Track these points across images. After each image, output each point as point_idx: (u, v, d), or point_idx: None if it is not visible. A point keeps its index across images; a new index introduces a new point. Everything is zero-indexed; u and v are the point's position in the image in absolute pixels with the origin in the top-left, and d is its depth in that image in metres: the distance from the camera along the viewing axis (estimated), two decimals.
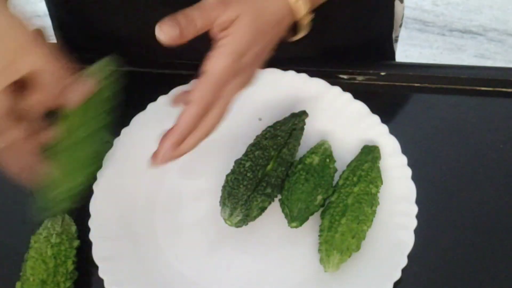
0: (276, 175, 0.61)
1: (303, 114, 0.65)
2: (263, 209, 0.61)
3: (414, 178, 0.62)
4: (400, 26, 0.88)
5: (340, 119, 0.67)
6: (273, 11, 0.53)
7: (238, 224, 0.59)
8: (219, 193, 0.61)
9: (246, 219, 0.59)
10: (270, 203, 0.61)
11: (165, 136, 0.53)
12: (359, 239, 0.58)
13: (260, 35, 0.52)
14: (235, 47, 0.51)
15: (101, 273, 0.58)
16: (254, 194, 0.59)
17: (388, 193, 0.62)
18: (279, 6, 0.53)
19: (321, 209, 0.61)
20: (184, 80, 0.68)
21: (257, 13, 0.51)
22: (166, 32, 0.49)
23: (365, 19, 0.78)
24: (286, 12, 0.53)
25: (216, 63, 0.51)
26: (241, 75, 0.53)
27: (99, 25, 0.76)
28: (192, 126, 0.52)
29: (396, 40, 0.89)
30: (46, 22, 0.89)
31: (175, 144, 0.53)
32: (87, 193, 0.62)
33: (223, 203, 0.60)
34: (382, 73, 0.74)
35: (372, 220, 0.60)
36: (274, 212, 0.62)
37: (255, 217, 0.61)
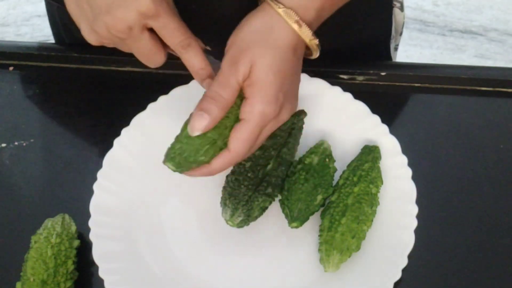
0: (276, 175, 0.60)
1: (301, 114, 0.65)
2: (264, 209, 0.61)
3: (414, 178, 0.62)
4: (401, 34, 0.87)
5: (340, 119, 0.67)
6: (284, 43, 0.54)
7: (240, 225, 0.59)
8: (220, 194, 0.61)
9: (247, 219, 0.59)
10: (271, 202, 0.61)
11: (197, 171, 0.55)
12: (359, 239, 0.58)
13: (283, 68, 0.53)
14: (264, 92, 0.52)
15: (101, 273, 0.58)
16: (255, 194, 0.59)
17: (388, 193, 0.62)
18: (288, 36, 0.54)
19: (321, 209, 0.61)
20: (184, 80, 0.68)
21: (269, 52, 0.53)
22: (195, 128, 0.51)
23: (361, 23, 0.78)
24: (297, 39, 0.55)
25: (251, 113, 0.52)
26: (279, 114, 0.55)
27: None
28: (225, 169, 0.55)
29: (396, 49, 0.89)
30: (46, 22, 0.89)
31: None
32: (87, 193, 0.63)
33: (224, 203, 0.60)
34: (382, 73, 0.74)
35: (372, 220, 0.60)
36: (274, 212, 0.62)
37: (256, 217, 0.60)
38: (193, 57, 0.55)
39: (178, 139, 0.54)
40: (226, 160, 0.54)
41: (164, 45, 0.56)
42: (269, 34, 0.53)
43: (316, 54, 0.58)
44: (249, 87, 0.53)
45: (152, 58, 0.57)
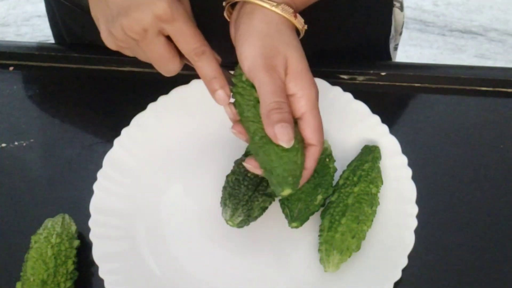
0: None
1: None
2: (264, 209, 0.61)
3: (414, 178, 0.62)
4: (400, 34, 0.87)
5: (340, 119, 0.67)
6: (293, 33, 0.56)
7: (240, 225, 0.59)
8: (220, 194, 0.61)
9: (248, 219, 0.59)
10: (271, 203, 0.61)
11: (303, 180, 0.56)
12: (359, 239, 0.58)
13: (303, 53, 0.56)
14: (307, 79, 0.55)
15: (101, 273, 0.58)
16: (255, 194, 0.59)
17: (388, 193, 0.62)
18: (291, 28, 0.56)
19: (321, 209, 0.61)
20: (184, 80, 0.68)
21: (291, 46, 0.55)
22: (288, 139, 0.52)
23: (361, 23, 0.78)
24: (295, 27, 0.57)
25: (310, 101, 0.54)
26: None
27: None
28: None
29: (396, 48, 0.89)
30: (46, 22, 0.90)
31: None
32: (87, 193, 0.63)
33: (224, 203, 0.60)
34: (383, 73, 0.74)
35: (372, 220, 0.60)
36: (274, 212, 0.62)
37: (256, 217, 0.60)
38: (206, 66, 0.56)
39: (273, 167, 0.53)
40: (316, 154, 0.55)
41: (180, 54, 0.56)
42: (280, 33, 0.55)
43: (300, 36, 0.60)
44: (292, 82, 0.54)
45: (167, 64, 0.56)
